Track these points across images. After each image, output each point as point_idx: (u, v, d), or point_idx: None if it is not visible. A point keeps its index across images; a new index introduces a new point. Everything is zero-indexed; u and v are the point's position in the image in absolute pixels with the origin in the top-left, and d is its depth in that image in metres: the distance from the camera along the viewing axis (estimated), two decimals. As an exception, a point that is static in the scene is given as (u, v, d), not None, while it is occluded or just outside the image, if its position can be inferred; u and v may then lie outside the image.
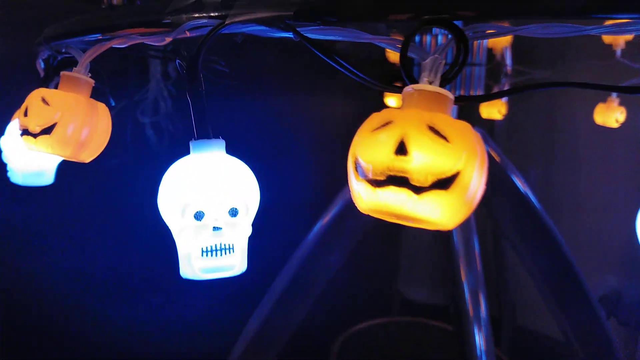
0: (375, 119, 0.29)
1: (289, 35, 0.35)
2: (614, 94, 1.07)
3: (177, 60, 0.40)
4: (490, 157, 0.94)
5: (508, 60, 1.19)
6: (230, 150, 0.38)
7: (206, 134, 0.34)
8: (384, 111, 0.29)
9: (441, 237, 1.02)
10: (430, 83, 0.30)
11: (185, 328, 1.08)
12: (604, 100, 1.10)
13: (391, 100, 1.06)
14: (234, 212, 0.32)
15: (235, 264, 0.33)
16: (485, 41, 0.95)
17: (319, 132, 1.18)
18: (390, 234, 1.46)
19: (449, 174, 0.26)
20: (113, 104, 0.81)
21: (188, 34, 0.39)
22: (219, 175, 0.33)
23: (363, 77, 0.32)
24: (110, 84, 0.87)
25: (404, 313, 1.40)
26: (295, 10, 0.34)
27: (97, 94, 0.80)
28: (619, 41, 1.01)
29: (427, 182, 0.26)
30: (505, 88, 1.20)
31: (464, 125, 0.27)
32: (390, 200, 0.27)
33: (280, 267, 0.95)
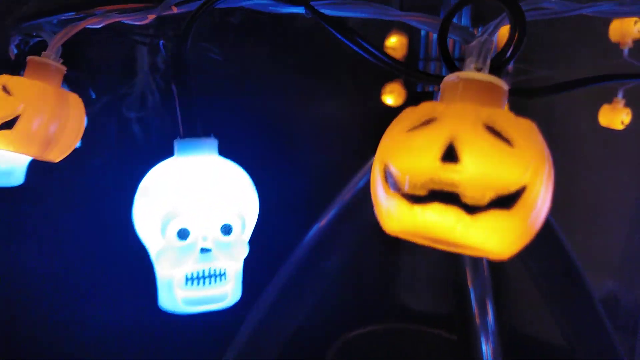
0: (412, 115, 0.22)
1: (300, 10, 0.28)
2: (620, 95, 1.03)
3: (161, 41, 0.33)
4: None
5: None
6: (225, 151, 0.31)
7: (194, 131, 0.28)
8: (424, 105, 0.22)
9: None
10: (479, 70, 0.24)
11: (174, 333, 1.01)
12: (609, 101, 1.05)
13: (389, 99, 1.00)
14: (227, 230, 0.26)
15: (227, 293, 0.26)
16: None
17: (319, 130, 1.12)
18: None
19: (512, 189, 0.20)
20: (94, 96, 0.74)
21: (175, 10, 0.33)
22: (209, 183, 0.26)
23: (391, 63, 0.26)
24: (92, 75, 0.80)
25: (402, 321, 1.35)
26: (306, -20, 0.28)
27: (77, 86, 0.73)
28: (626, 40, 0.96)
29: (485, 200, 0.20)
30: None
31: (529, 125, 0.21)
32: (433, 221, 0.20)
33: (274, 272, 0.89)
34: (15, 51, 0.58)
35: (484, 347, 0.83)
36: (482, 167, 0.19)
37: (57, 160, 0.41)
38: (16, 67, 0.54)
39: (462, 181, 0.20)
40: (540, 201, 0.20)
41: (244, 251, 0.27)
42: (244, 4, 0.29)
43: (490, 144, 0.20)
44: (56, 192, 0.83)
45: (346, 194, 0.84)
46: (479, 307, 0.85)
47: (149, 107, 1.00)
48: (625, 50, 0.96)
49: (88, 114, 0.82)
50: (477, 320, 0.84)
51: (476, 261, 0.86)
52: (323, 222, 0.89)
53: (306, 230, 0.89)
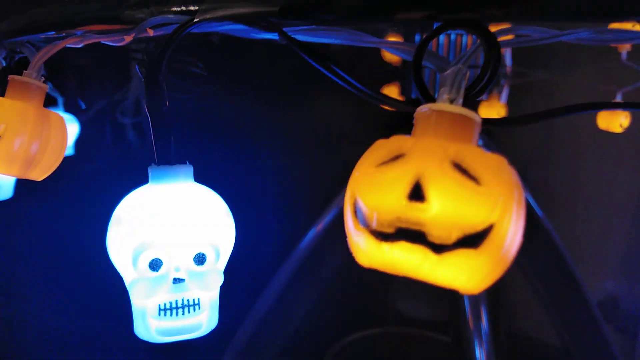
0: (381, 149, 0.22)
1: (274, 37, 0.28)
2: (619, 97, 1.03)
3: (136, 66, 0.33)
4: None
5: (508, 61, 1.14)
6: (201, 174, 0.31)
7: (168, 159, 0.27)
8: (394, 139, 0.22)
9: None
10: (452, 101, 0.24)
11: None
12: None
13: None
14: (200, 259, 0.26)
15: (201, 322, 0.26)
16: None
17: (312, 132, 1.12)
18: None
19: (479, 228, 0.19)
20: (83, 107, 0.74)
21: (151, 33, 0.32)
22: (182, 213, 0.26)
23: (366, 92, 0.26)
24: (84, 82, 0.80)
25: (399, 325, 1.35)
26: (281, 6, 0.27)
27: (65, 95, 0.72)
28: (625, 43, 0.96)
29: (451, 239, 0.19)
30: (505, 90, 1.15)
31: (499, 161, 0.21)
32: (400, 259, 0.20)
33: (271, 276, 0.90)
34: (4, 63, 0.58)
35: (477, 351, 0.83)
36: (448, 207, 0.19)
37: (40, 179, 0.41)
38: (4, 76, 0.54)
39: (428, 220, 0.19)
40: (509, 239, 0.20)
41: (219, 280, 0.27)
42: (218, 29, 0.29)
43: (457, 183, 0.19)
44: (50, 199, 0.83)
45: (342, 200, 0.84)
46: (473, 312, 0.85)
47: (144, 114, 1.00)
48: (624, 54, 0.96)
49: (82, 121, 0.81)
50: (471, 325, 0.84)
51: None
52: (320, 226, 0.89)
53: (303, 233, 0.89)
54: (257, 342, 0.89)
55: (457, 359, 0.88)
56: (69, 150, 0.71)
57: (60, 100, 0.76)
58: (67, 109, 0.76)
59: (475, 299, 0.87)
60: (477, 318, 0.83)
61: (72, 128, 0.75)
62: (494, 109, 1.20)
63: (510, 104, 1.22)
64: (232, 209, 0.32)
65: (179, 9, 0.31)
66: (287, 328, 0.91)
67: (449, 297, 0.90)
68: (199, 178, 0.31)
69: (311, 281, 0.90)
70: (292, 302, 0.91)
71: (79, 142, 0.80)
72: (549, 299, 0.89)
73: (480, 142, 0.84)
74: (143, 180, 0.31)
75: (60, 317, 0.87)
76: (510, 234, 0.20)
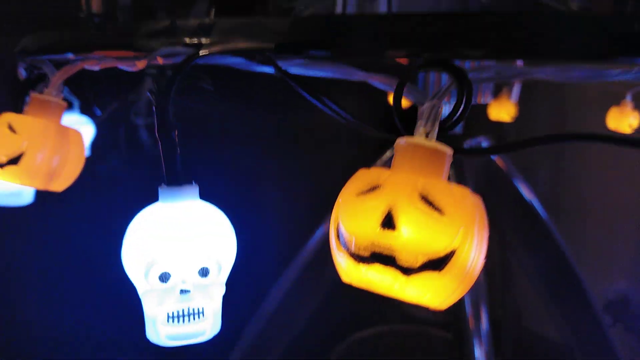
0: (362, 179, 0.25)
1: (270, 70, 0.31)
2: (629, 97, 1.04)
3: (147, 93, 0.36)
4: (495, 165, 0.91)
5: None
6: (208, 188, 0.34)
7: (176, 180, 0.31)
8: (373, 171, 0.25)
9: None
10: (427, 134, 0.26)
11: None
12: (617, 103, 1.06)
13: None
14: (204, 272, 0.29)
15: (205, 329, 0.29)
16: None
17: (312, 138, 1.14)
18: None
19: (442, 253, 0.22)
20: (99, 113, 0.77)
21: (161, 62, 0.36)
22: (187, 231, 0.29)
23: (354, 122, 0.28)
24: (99, 84, 0.83)
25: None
26: (277, 43, 0.30)
27: (81, 98, 0.75)
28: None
29: (417, 263, 0.22)
30: (516, 88, 1.16)
31: (462, 193, 0.24)
32: (375, 279, 0.23)
33: (276, 278, 0.92)
34: (24, 73, 0.61)
35: (476, 350, 0.86)
36: (414, 235, 0.22)
37: (60, 190, 0.45)
38: (25, 88, 0.57)
39: (398, 246, 0.22)
40: (470, 262, 0.23)
41: (221, 291, 0.30)
42: (220, 62, 0.32)
43: (423, 214, 0.22)
44: (66, 200, 0.87)
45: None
46: (473, 311, 0.87)
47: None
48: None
49: (97, 122, 0.84)
50: (471, 325, 0.87)
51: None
52: (326, 225, 0.92)
53: (308, 237, 0.92)
54: (264, 340, 0.92)
55: (459, 356, 0.90)
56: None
57: (76, 103, 0.80)
58: (83, 111, 0.79)
59: (475, 299, 0.89)
60: (477, 318, 0.85)
61: (88, 130, 0.77)
62: (503, 109, 1.21)
63: (520, 104, 1.23)
64: (237, 214, 0.35)
65: (187, 40, 0.34)
66: (293, 326, 0.94)
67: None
68: (203, 185, 0.34)
69: (317, 281, 0.92)
70: (298, 302, 0.94)
71: (94, 143, 0.83)
72: (554, 303, 0.92)
73: (484, 144, 0.86)
74: (155, 179, 0.34)
75: (75, 319, 0.91)
76: (472, 258, 0.23)
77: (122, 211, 0.39)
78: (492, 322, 0.88)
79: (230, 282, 0.33)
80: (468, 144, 0.84)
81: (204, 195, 0.33)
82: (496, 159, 0.90)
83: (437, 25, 0.27)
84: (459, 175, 0.78)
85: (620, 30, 0.24)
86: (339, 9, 0.42)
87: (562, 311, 0.91)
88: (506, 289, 1.37)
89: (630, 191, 1.23)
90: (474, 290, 0.88)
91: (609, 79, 0.27)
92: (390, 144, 0.28)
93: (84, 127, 0.74)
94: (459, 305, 0.87)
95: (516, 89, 1.14)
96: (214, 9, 0.54)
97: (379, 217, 0.23)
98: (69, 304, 0.90)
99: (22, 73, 0.61)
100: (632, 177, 1.24)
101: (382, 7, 0.44)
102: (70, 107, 0.79)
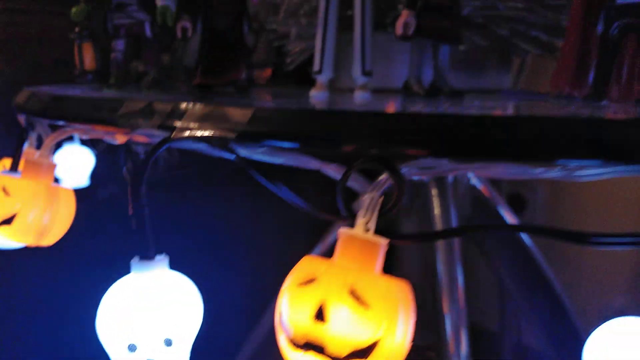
0: (303, 270, 0.28)
1: (231, 157, 0.34)
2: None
3: (124, 169, 0.39)
4: (480, 194, 0.92)
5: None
6: (175, 250, 0.37)
7: (146, 253, 0.34)
8: (315, 262, 0.28)
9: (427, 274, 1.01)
10: (367, 222, 0.29)
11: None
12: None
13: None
14: (168, 342, 0.32)
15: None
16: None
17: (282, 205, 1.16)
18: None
19: (366, 344, 0.25)
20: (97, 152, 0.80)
21: (140, 140, 0.39)
22: (153, 304, 0.32)
23: (307, 209, 0.32)
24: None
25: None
26: (238, 133, 0.33)
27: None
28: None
29: (344, 353, 0.25)
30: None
31: (389, 285, 0.26)
32: (310, 364, 0.26)
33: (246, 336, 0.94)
34: (24, 124, 0.65)
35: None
36: (341, 328, 0.25)
37: (50, 244, 0.48)
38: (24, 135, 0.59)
39: (327, 339, 0.25)
40: (394, 350, 0.26)
41: (186, 357, 0.33)
42: (188, 147, 0.35)
43: (350, 308, 0.25)
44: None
45: (331, 235, 0.89)
46: (454, 336, 0.88)
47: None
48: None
49: (96, 152, 0.86)
50: (452, 350, 0.87)
51: (452, 290, 0.89)
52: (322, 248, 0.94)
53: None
54: (269, 344, 0.93)
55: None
56: (84, 181, 0.76)
57: (75, 135, 0.82)
58: (83, 142, 0.82)
59: (455, 322, 0.89)
60: (458, 343, 0.86)
61: (88, 160, 0.79)
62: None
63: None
64: (205, 277, 0.38)
65: (160, 122, 0.37)
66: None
67: (431, 323, 0.93)
68: (171, 250, 0.37)
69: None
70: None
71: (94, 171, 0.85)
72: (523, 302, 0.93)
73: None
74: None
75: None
76: (395, 346, 0.26)
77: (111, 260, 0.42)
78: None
79: (197, 347, 0.36)
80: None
81: (172, 258, 0.37)
82: (482, 189, 0.91)
83: (381, 123, 0.31)
84: (443, 203, 0.80)
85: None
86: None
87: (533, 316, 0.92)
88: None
89: (631, 204, 1.22)
90: (454, 314, 0.89)
91: (534, 176, 0.29)
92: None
93: (84, 157, 0.77)
94: (439, 329, 0.89)
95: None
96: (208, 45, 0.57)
97: (312, 309, 0.26)
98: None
99: (22, 120, 0.65)
100: (633, 187, 1.23)
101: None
102: (69, 139, 0.82)
